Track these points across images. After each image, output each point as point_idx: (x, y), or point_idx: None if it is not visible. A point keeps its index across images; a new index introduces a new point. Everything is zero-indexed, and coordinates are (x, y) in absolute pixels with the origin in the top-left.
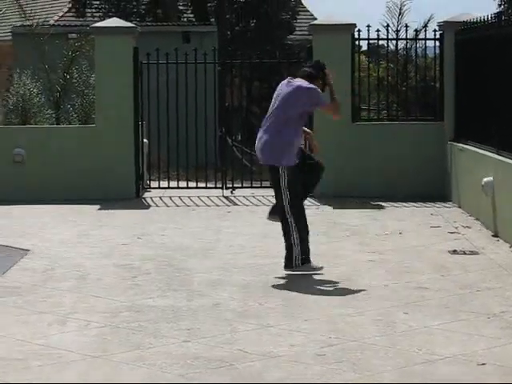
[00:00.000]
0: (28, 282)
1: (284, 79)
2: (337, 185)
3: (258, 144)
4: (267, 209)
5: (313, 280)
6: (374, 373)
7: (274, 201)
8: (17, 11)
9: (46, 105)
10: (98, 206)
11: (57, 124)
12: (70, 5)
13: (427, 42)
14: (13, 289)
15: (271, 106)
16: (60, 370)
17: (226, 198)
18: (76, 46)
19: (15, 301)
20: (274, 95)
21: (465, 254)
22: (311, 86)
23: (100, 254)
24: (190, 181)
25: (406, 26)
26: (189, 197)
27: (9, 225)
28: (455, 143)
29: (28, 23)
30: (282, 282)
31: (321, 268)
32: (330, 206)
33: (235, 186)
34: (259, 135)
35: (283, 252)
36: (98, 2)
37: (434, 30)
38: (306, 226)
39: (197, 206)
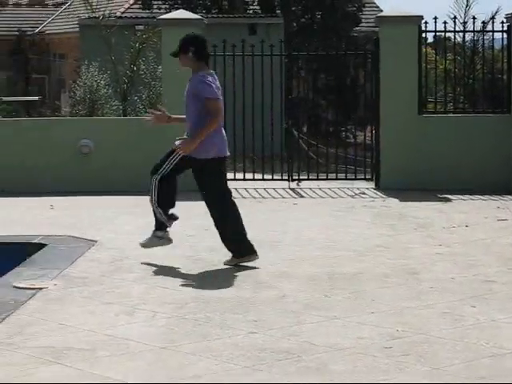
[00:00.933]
0: (95, 273)
1: (349, 71)
2: (403, 177)
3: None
4: (333, 201)
5: (380, 272)
6: (441, 366)
7: (339, 193)
8: (83, 3)
9: (112, 96)
10: None
11: (124, 115)
12: None
13: (495, 33)
14: (80, 279)
15: None
16: (128, 360)
17: (292, 189)
18: (143, 37)
19: (83, 291)
20: None
21: None
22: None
23: (168, 245)
24: (256, 172)
25: (474, 18)
26: (255, 188)
27: (76, 216)
28: None
29: (95, 15)
30: (349, 274)
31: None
32: (396, 198)
33: (301, 178)
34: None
35: (350, 244)
36: None
37: (502, 22)
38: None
39: (263, 197)
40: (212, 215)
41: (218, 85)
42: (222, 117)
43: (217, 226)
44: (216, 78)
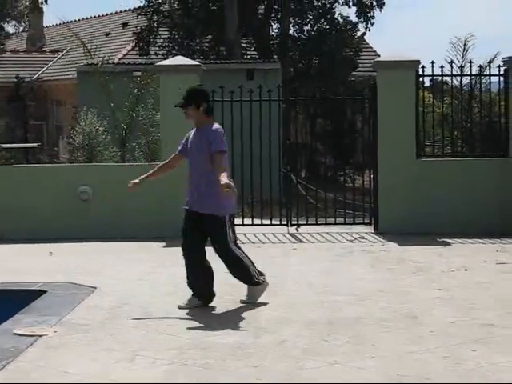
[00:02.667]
0: (95, 319)
1: (348, 116)
2: (402, 221)
3: None
4: (332, 246)
5: (380, 317)
6: None
7: (338, 237)
8: (81, 50)
9: (111, 143)
10: (164, 243)
11: (122, 162)
12: (134, 43)
13: (492, 77)
14: (80, 326)
15: None
16: None
17: (291, 234)
18: (141, 83)
19: (83, 338)
20: None
21: None
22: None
23: (167, 291)
24: (255, 218)
25: (471, 62)
26: (254, 234)
27: (75, 262)
28: None
29: (92, 62)
30: (349, 319)
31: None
32: (395, 242)
33: (300, 223)
34: None
35: (350, 289)
36: (161, 40)
37: (499, 66)
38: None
39: (262, 243)
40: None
41: None
42: None
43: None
44: None
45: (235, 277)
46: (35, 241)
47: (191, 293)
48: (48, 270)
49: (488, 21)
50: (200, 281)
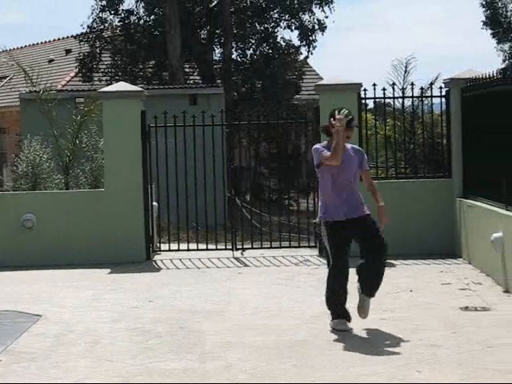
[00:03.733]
0: (41, 348)
1: (290, 139)
2: None
3: None
4: (277, 270)
5: (325, 339)
6: None
7: (283, 261)
8: (24, 77)
9: (55, 170)
10: (108, 270)
11: (66, 189)
12: (77, 69)
13: (433, 98)
14: (26, 354)
15: None
16: None
17: (237, 259)
18: (84, 110)
19: (28, 366)
20: None
21: (476, 310)
22: (315, 146)
23: (112, 317)
24: (200, 242)
25: (412, 84)
26: (199, 259)
27: (20, 290)
28: (464, 199)
29: (35, 89)
30: (295, 342)
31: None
32: None
33: (245, 247)
34: None
35: (295, 312)
36: (104, 66)
37: (440, 87)
38: (338, 287)
39: (207, 267)
40: None
41: None
42: None
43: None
44: None
45: (378, 277)
46: None
47: (139, 318)
48: None
49: (430, 43)
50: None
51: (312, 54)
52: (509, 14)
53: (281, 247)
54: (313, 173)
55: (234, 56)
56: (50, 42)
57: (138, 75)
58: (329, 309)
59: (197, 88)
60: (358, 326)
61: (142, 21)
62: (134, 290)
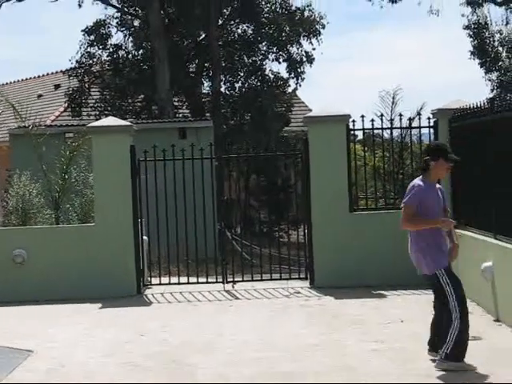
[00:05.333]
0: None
1: (280, 171)
2: (338, 275)
3: None
4: (268, 302)
5: (316, 371)
6: None
7: (274, 293)
8: (13, 113)
9: (45, 205)
10: (99, 305)
11: (56, 224)
12: (66, 105)
13: (422, 129)
14: None
15: None
16: None
17: (228, 292)
18: (73, 145)
19: None
20: None
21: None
22: (413, 183)
23: (103, 352)
24: (191, 276)
25: (400, 115)
26: (190, 292)
27: (11, 326)
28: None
29: (24, 124)
30: (286, 374)
31: (471, 368)
32: (331, 296)
33: (236, 279)
34: None
35: (286, 344)
36: (93, 101)
37: (428, 118)
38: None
39: (198, 301)
40: None
41: None
42: None
43: None
44: None
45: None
46: None
47: (131, 353)
48: None
49: (417, 73)
50: None
51: (300, 85)
52: (496, 43)
53: (272, 279)
54: (302, 204)
55: (222, 89)
56: (39, 77)
57: (127, 109)
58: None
59: (186, 121)
60: (349, 357)
61: (130, 55)
62: (125, 324)
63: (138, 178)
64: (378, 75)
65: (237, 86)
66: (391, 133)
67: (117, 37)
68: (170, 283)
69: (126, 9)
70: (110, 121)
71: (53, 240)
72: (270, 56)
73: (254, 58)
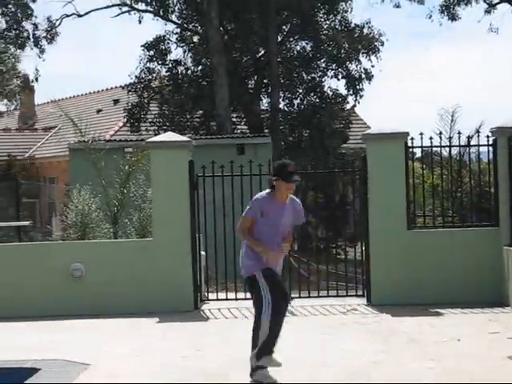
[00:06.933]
0: None
1: (338, 188)
2: (395, 292)
3: None
4: (325, 319)
5: None
6: None
7: (331, 310)
8: (72, 127)
9: (103, 220)
10: (156, 319)
11: (114, 238)
12: (125, 120)
13: (481, 147)
14: None
15: None
16: None
17: None
18: (132, 160)
19: None
20: None
21: None
22: (256, 197)
23: (160, 367)
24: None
25: (459, 133)
26: (247, 308)
27: (69, 339)
28: (511, 248)
29: (83, 139)
30: None
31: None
32: (388, 314)
33: (293, 296)
34: None
35: (343, 362)
36: (152, 116)
37: (487, 136)
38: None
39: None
40: None
41: None
42: None
43: None
44: None
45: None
46: (28, 318)
47: (190, 368)
48: (42, 348)
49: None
50: None
51: (359, 102)
52: None
53: (328, 296)
54: (359, 222)
55: (281, 105)
56: (98, 92)
57: (186, 125)
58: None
59: (244, 138)
60: (405, 376)
61: (189, 71)
62: (182, 339)
63: (197, 193)
64: (436, 92)
65: (295, 102)
66: (450, 151)
67: (176, 52)
68: (227, 299)
69: (185, 25)
70: (169, 136)
71: (111, 254)
72: (328, 73)
73: (312, 75)
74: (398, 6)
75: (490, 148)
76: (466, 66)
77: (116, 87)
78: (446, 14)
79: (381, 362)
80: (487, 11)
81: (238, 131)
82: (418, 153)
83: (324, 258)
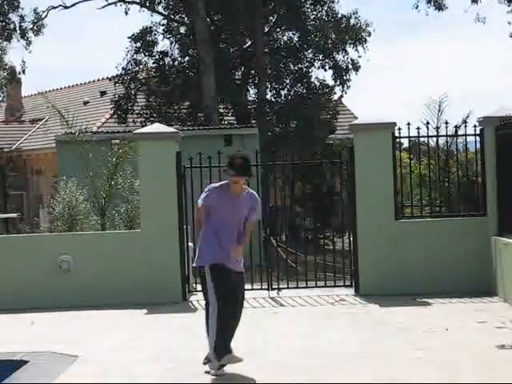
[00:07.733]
0: None
1: (325, 178)
2: (383, 283)
3: None
4: (313, 309)
5: (361, 379)
6: None
7: (319, 300)
8: (59, 119)
9: (91, 211)
10: (144, 311)
11: (102, 230)
12: (112, 111)
13: (468, 137)
14: None
15: None
16: None
17: (273, 298)
18: (119, 152)
19: None
20: None
21: None
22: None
23: (149, 358)
24: None
25: (446, 123)
26: None
27: (57, 331)
28: (499, 238)
29: (71, 131)
30: (333, 381)
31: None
32: (376, 304)
33: (281, 286)
34: None
35: (331, 352)
36: (138, 108)
37: (474, 126)
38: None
39: (243, 307)
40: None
41: None
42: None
43: None
44: None
45: None
46: (16, 311)
47: (179, 359)
48: (30, 340)
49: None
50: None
51: (346, 93)
52: None
53: (317, 287)
54: (347, 212)
55: (268, 96)
56: (85, 84)
57: (173, 116)
58: None
59: (231, 128)
60: (394, 366)
61: (176, 62)
62: (170, 330)
63: (184, 184)
64: (423, 82)
65: (282, 93)
66: (437, 141)
67: (163, 44)
68: None
69: (172, 16)
70: (157, 127)
71: (99, 246)
72: (315, 63)
73: (299, 66)
74: None
75: (477, 138)
76: (453, 56)
77: (103, 79)
78: (432, 3)
79: (369, 352)
80: (474, 1)
81: (225, 122)
82: (406, 143)
83: (312, 248)
